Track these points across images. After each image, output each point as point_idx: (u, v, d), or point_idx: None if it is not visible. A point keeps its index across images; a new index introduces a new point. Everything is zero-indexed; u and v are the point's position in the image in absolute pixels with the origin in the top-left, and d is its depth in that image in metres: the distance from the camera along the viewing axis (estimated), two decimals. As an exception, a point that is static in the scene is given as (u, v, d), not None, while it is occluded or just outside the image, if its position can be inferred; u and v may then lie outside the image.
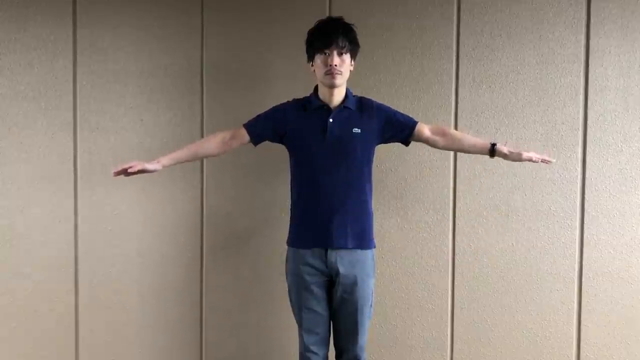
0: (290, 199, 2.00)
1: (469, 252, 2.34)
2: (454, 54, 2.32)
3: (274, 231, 2.33)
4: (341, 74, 1.89)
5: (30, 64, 2.31)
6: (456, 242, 2.35)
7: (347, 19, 1.96)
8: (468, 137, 2.08)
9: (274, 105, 2.02)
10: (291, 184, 2.01)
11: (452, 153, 2.33)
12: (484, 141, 2.04)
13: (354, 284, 1.90)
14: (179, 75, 2.35)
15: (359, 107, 1.99)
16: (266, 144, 2.03)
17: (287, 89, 2.31)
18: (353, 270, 1.90)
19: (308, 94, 2.00)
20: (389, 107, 2.04)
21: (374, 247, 1.98)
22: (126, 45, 2.34)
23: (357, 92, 2.04)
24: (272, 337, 2.39)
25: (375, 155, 2.32)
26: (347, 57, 1.90)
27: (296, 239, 1.96)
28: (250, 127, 1.99)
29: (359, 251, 1.92)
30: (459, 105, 2.32)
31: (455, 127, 2.32)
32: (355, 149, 1.93)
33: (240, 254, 2.39)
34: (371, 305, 1.97)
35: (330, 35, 1.87)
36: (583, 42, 2.29)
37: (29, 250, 2.34)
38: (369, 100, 2.03)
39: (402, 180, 2.34)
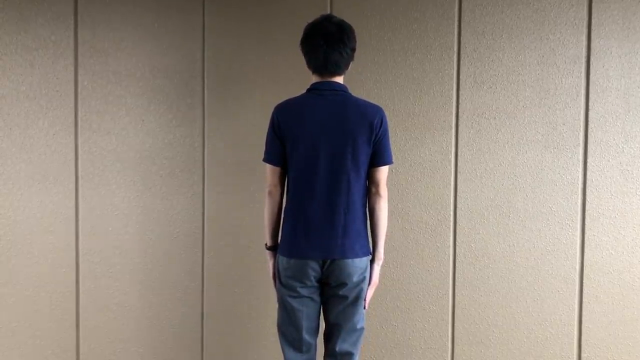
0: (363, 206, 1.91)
1: (469, 253, 2.34)
2: (455, 54, 2.32)
3: (275, 232, 2.34)
4: None
5: (31, 64, 2.32)
6: (457, 243, 2.35)
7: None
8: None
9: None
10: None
11: (453, 153, 2.33)
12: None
13: None
14: (180, 76, 2.35)
15: None
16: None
17: (289, 90, 2.31)
18: None
19: (348, 96, 1.96)
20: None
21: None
22: (127, 46, 2.34)
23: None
24: (272, 336, 2.40)
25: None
26: None
27: None
28: None
29: None
30: (460, 106, 2.32)
31: (457, 128, 2.33)
32: None
33: (241, 253, 2.39)
34: None
35: None
36: (584, 43, 2.29)
37: (29, 250, 2.35)
38: None
39: (403, 181, 2.34)
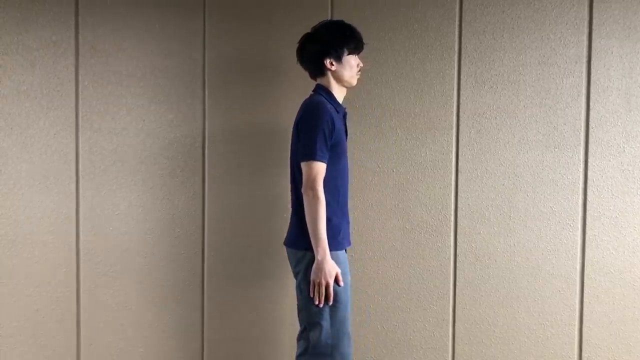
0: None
1: (470, 253, 2.34)
2: (456, 54, 2.32)
3: (276, 230, 2.34)
4: None
5: (32, 64, 2.32)
6: (458, 243, 2.34)
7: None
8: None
9: (323, 118, 1.86)
10: (326, 187, 1.88)
11: (454, 153, 2.33)
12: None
13: None
14: (181, 77, 2.35)
15: None
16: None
17: (289, 90, 2.32)
18: None
19: (311, 95, 1.99)
20: None
21: None
22: (128, 46, 2.34)
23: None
24: (273, 336, 2.39)
25: (377, 155, 2.36)
26: None
27: (343, 240, 1.95)
28: (324, 158, 1.88)
29: None
30: (460, 105, 2.32)
31: (457, 128, 2.33)
32: None
33: (242, 253, 2.39)
34: None
35: (362, 39, 1.99)
36: (585, 42, 2.29)
37: (30, 250, 2.35)
38: None
39: (403, 181, 2.34)
